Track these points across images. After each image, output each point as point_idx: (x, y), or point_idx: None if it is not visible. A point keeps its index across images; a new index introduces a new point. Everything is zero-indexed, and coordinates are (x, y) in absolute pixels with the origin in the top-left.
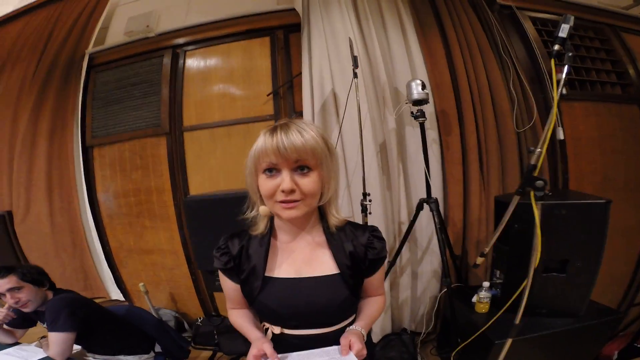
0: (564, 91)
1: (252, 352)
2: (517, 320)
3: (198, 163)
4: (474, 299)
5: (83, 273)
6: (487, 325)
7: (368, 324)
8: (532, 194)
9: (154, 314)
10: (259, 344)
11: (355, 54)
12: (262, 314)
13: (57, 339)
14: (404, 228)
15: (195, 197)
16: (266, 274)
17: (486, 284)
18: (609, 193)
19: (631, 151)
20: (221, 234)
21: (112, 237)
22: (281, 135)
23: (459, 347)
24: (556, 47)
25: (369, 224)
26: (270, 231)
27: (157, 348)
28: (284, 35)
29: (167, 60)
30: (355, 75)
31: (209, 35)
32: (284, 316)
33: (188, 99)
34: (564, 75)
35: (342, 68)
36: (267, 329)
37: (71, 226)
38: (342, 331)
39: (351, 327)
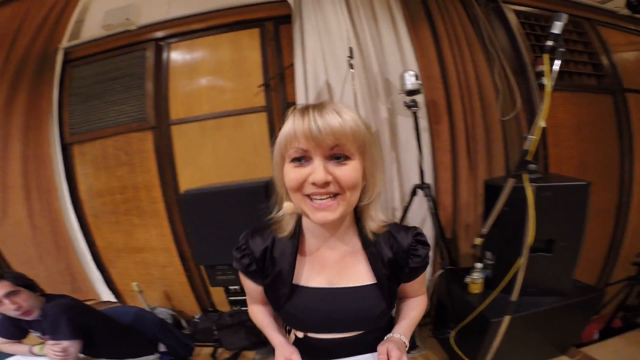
0: (545, 81)
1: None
2: (515, 297)
3: (187, 157)
4: (467, 280)
5: (70, 276)
6: (485, 304)
7: (409, 329)
8: (525, 176)
9: None
10: (287, 353)
11: (350, 45)
12: (287, 321)
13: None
14: (397, 214)
15: (193, 191)
16: (294, 282)
17: (479, 265)
18: (585, 177)
19: (604, 138)
20: (222, 227)
21: (99, 237)
22: (314, 115)
23: (457, 328)
24: (550, 42)
25: None
26: (298, 233)
27: (162, 348)
28: (274, 27)
29: (149, 54)
30: (351, 66)
31: (193, 27)
32: (312, 327)
33: (174, 91)
34: (556, 68)
35: (335, 60)
36: (289, 330)
37: (53, 228)
38: (371, 334)
39: (392, 334)
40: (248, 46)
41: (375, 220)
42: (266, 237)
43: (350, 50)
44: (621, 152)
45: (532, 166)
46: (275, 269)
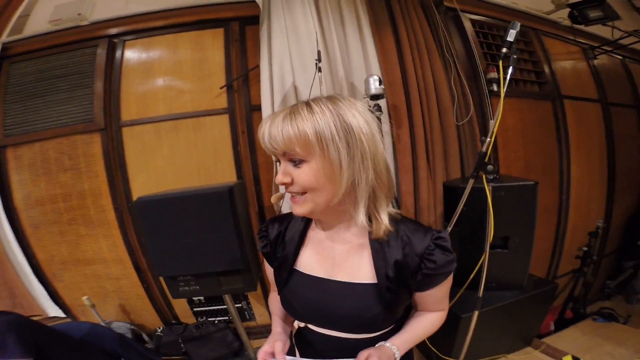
0: (495, 88)
1: (264, 347)
2: (480, 293)
3: (140, 161)
4: None
5: (8, 291)
6: (454, 300)
7: (408, 342)
8: (484, 176)
9: None
10: (272, 340)
11: (319, 48)
12: (284, 306)
13: None
14: None
15: (146, 198)
16: (295, 267)
17: None
18: (530, 177)
19: (547, 141)
20: (182, 236)
21: (40, 249)
22: (265, 128)
23: None
24: (504, 50)
25: None
26: (309, 220)
27: None
28: (239, 28)
29: (101, 51)
30: (319, 69)
31: (152, 25)
32: (303, 315)
33: (127, 91)
34: (509, 75)
35: (303, 62)
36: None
37: None
38: (374, 339)
39: (385, 343)
40: (211, 46)
41: (375, 219)
42: (283, 221)
43: (319, 53)
44: (560, 154)
45: (490, 167)
46: (283, 252)
